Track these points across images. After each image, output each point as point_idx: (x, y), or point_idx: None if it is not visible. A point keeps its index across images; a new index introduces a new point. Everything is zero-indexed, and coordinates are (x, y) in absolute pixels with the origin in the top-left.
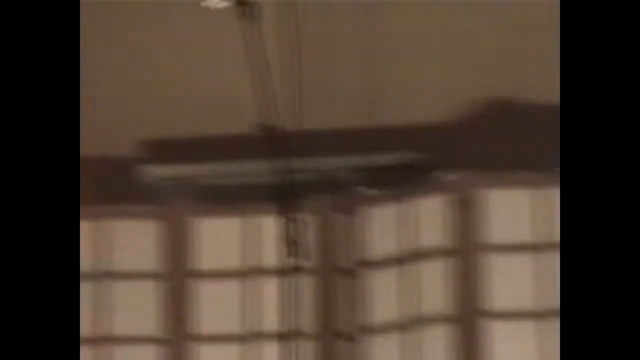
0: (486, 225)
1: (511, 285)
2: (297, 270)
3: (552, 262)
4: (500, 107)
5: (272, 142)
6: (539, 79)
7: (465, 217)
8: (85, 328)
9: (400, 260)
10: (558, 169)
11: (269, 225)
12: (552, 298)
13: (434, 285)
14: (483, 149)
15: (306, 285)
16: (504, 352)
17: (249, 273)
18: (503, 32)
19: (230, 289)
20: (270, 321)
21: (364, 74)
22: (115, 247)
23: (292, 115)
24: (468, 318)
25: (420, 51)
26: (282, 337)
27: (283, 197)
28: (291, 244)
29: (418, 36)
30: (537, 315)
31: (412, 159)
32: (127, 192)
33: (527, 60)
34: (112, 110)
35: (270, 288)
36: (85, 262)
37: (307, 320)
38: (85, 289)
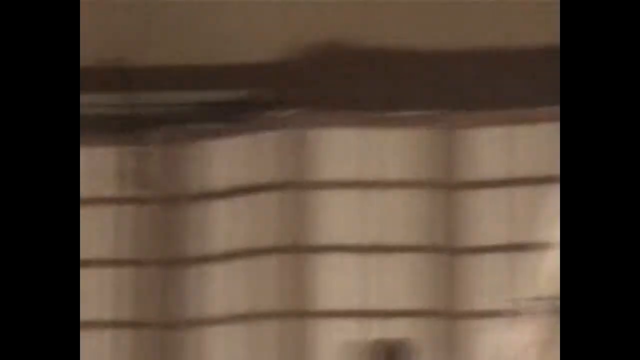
0: (319, 162)
1: (340, 220)
2: (136, 200)
3: (382, 198)
4: (336, 48)
5: (113, 75)
6: (384, 18)
7: (298, 153)
8: None
9: (234, 192)
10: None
11: (108, 157)
12: (378, 234)
13: (267, 217)
14: (318, 89)
15: (145, 214)
16: (330, 285)
17: (89, 202)
18: None
19: None
20: (110, 249)
21: (205, 12)
22: None
23: (134, 50)
24: (297, 251)
25: None
26: (119, 265)
27: (123, 129)
28: (130, 174)
29: None
30: (360, 249)
31: (248, 95)
32: None
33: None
34: None
35: (109, 217)
36: None
37: (145, 248)
38: None
